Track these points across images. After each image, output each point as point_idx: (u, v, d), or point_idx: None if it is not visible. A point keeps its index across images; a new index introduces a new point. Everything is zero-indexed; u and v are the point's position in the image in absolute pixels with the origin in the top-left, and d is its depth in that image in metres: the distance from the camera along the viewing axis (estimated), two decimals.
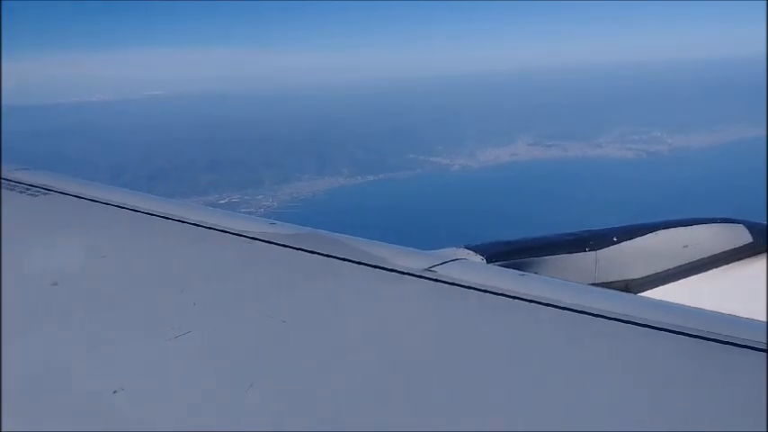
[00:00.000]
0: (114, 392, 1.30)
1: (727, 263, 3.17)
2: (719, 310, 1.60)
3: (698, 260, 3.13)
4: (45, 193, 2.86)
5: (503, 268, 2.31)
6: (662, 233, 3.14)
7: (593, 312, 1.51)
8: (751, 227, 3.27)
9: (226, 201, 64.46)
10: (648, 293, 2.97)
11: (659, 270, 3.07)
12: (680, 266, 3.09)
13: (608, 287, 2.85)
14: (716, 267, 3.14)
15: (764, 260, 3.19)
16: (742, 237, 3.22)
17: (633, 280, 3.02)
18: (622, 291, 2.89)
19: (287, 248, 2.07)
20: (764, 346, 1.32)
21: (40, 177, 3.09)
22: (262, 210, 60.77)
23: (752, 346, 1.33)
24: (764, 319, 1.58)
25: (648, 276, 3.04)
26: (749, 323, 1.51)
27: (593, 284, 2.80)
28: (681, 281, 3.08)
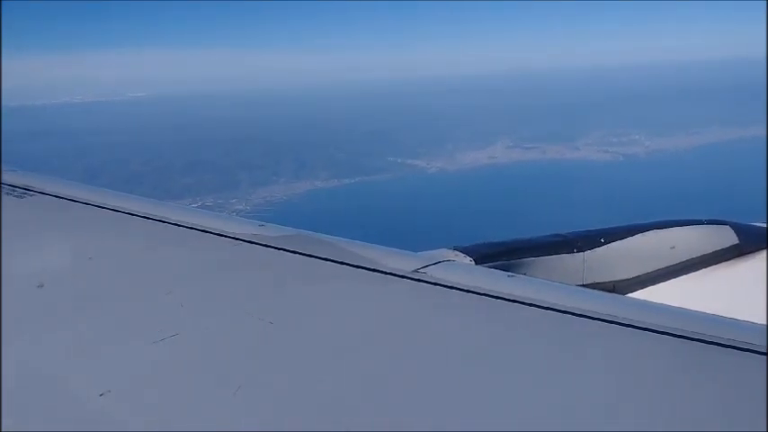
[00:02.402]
0: (101, 395, 1.30)
1: (714, 264, 3.21)
2: (706, 311, 1.60)
3: (685, 261, 3.15)
4: (32, 195, 2.86)
5: (491, 269, 2.34)
6: (649, 234, 3.16)
7: (580, 313, 1.52)
8: (737, 228, 3.31)
9: (199, 204, 63.82)
10: (636, 294, 2.98)
11: (646, 271, 3.08)
12: (667, 267, 3.11)
13: (596, 288, 2.87)
14: (703, 268, 3.18)
15: (750, 261, 3.24)
16: (728, 238, 3.26)
17: (621, 281, 3.03)
18: (610, 291, 2.90)
19: (276, 250, 2.07)
20: (754, 347, 1.31)
21: (27, 179, 3.07)
22: (234, 214, 60.22)
23: (740, 347, 1.32)
24: (752, 319, 1.58)
25: (636, 277, 3.06)
26: (737, 324, 1.51)
27: (580, 285, 2.82)
28: (668, 282, 3.10)
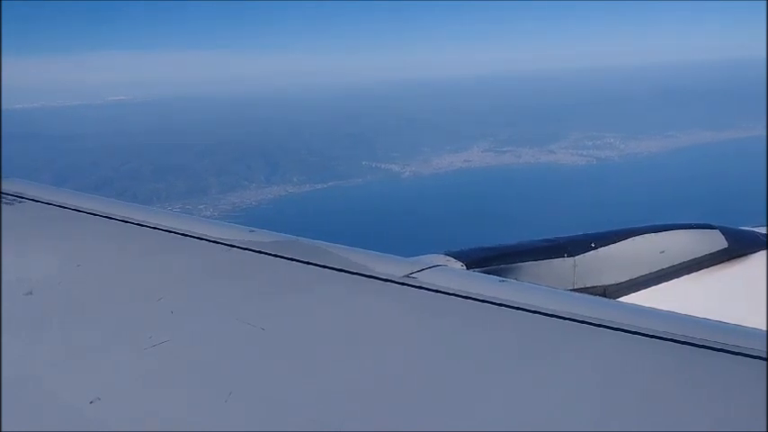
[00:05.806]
0: (91, 402, 1.30)
1: (704, 268, 3.22)
2: (697, 315, 1.61)
3: (675, 265, 3.17)
4: (20, 202, 2.85)
5: (483, 274, 2.37)
6: (639, 239, 3.18)
7: (571, 317, 1.52)
8: (726, 232, 3.33)
9: (168, 210, 62.81)
10: (626, 299, 3.00)
11: (637, 275, 3.10)
12: (657, 272, 3.13)
13: (586, 293, 2.89)
14: (692, 272, 3.19)
15: (740, 264, 3.25)
16: (717, 242, 3.27)
17: (611, 285, 3.04)
18: (600, 296, 2.89)
19: (266, 256, 2.07)
20: (751, 352, 1.31)
21: (15, 185, 3.05)
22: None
23: (731, 350, 1.32)
24: (741, 322, 1.59)
25: (626, 282, 3.07)
26: (728, 328, 1.51)
27: (571, 290, 2.83)
28: (658, 286, 3.11)
